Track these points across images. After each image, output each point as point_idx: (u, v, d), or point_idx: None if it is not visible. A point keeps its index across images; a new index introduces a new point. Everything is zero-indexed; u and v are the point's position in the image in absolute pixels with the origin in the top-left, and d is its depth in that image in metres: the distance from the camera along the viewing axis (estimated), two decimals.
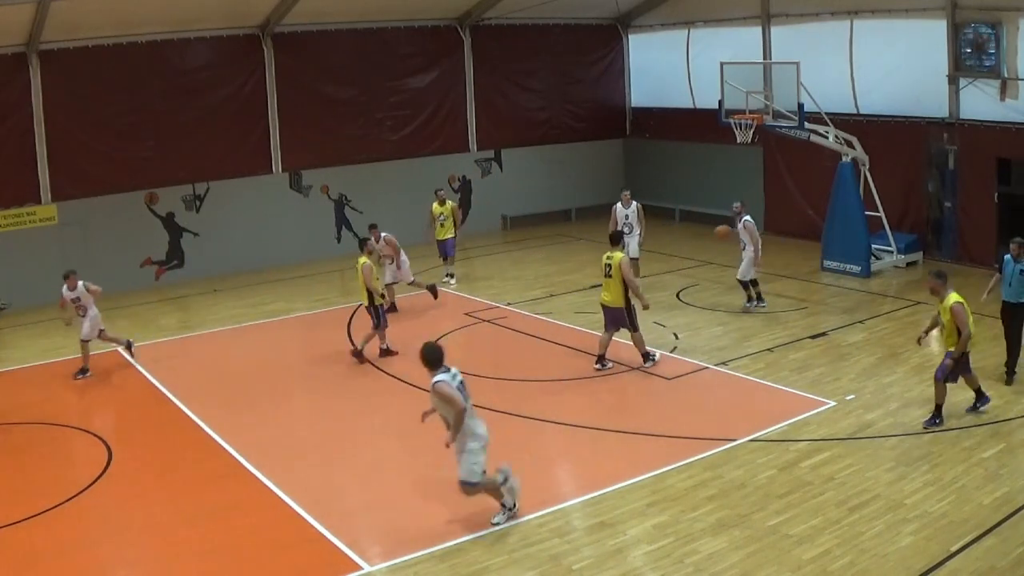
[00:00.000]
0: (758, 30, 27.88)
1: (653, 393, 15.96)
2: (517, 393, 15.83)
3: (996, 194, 22.54)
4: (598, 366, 16.77)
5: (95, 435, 14.75)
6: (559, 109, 32.40)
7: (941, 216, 23.80)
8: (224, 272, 25.79)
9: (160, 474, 13.33)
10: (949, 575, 9.70)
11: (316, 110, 27.60)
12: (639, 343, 16.77)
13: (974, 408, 13.93)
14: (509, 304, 21.36)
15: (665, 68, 31.86)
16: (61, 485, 12.86)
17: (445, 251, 23.84)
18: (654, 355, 16.87)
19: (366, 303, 17.94)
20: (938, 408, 13.59)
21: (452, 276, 23.88)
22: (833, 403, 14.62)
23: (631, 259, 21.22)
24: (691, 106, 30.49)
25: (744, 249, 19.92)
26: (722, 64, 23.60)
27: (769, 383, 15.67)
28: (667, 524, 11.05)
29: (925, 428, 13.42)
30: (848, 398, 14.70)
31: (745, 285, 20.25)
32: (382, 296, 18.59)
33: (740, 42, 28.13)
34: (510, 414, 14.77)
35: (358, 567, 10.40)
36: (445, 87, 30.07)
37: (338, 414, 15.49)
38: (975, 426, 13.48)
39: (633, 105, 33.69)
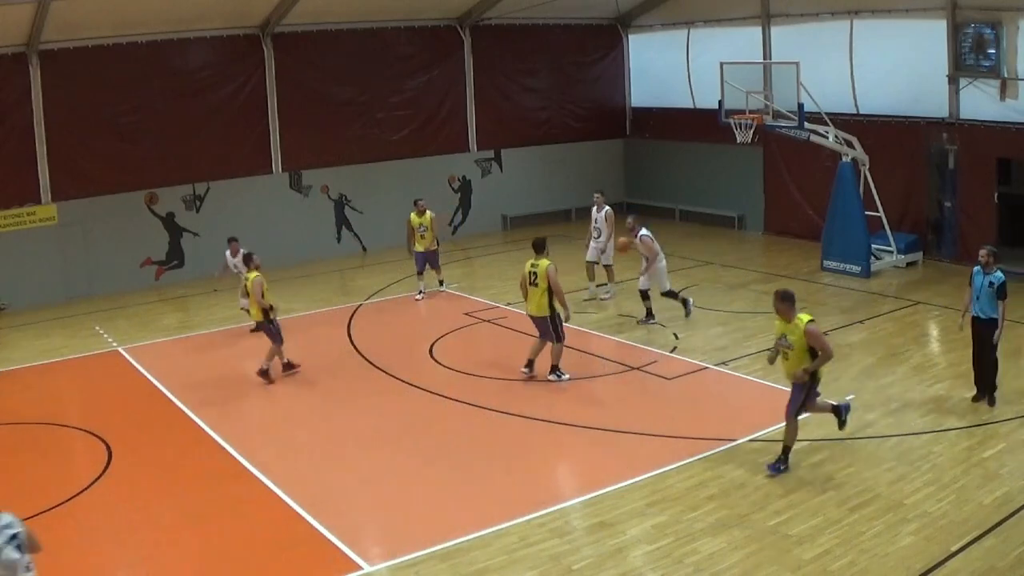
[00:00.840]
0: (758, 30, 27.88)
1: (653, 393, 15.96)
2: (517, 393, 15.84)
3: (996, 194, 22.56)
4: (525, 370, 16.49)
5: (95, 435, 14.73)
6: (559, 109, 32.41)
7: (941, 216, 23.83)
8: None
9: (160, 474, 13.33)
10: (949, 575, 9.71)
11: (316, 110, 27.60)
12: (556, 355, 16.34)
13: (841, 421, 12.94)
14: (509, 304, 21.36)
15: (665, 68, 31.85)
16: (61, 485, 12.88)
17: (423, 264, 22.50)
18: (563, 374, 16.34)
19: (260, 320, 17.29)
20: (786, 451, 12.50)
21: (442, 283, 23.12)
22: (833, 403, 14.61)
23: (605, 265, 21.44)
24: (691, 106, 30.47)
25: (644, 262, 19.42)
26: (722, 64, 23.60)
27: (769, 383, 15.64)
28: (667, 524, 11.05)
29: (770, 473, 12.30)
30: (848, 398, 14.70)
31: (644, 295, 19.58)
32: (272, 309, 17.30)
33: (740, 42, 28.13)
34: (510, 414, 14.79)
35: (358, 567, 10.40)
36: (445, 87, 30.07)
37: (338, 414, 15.49)
38: (975, 426, 13.49)
39: (633, 105, 33.68)
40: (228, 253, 21.17)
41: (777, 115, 22.53)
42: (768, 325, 18.91)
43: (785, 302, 12.44)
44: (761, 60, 26.29)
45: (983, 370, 14.32)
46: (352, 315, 21.21)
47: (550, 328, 16.16)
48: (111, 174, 24.73)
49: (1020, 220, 23.07)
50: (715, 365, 16.79)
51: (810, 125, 22.48)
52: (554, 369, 16.38)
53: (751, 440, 13.37)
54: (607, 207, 21.42)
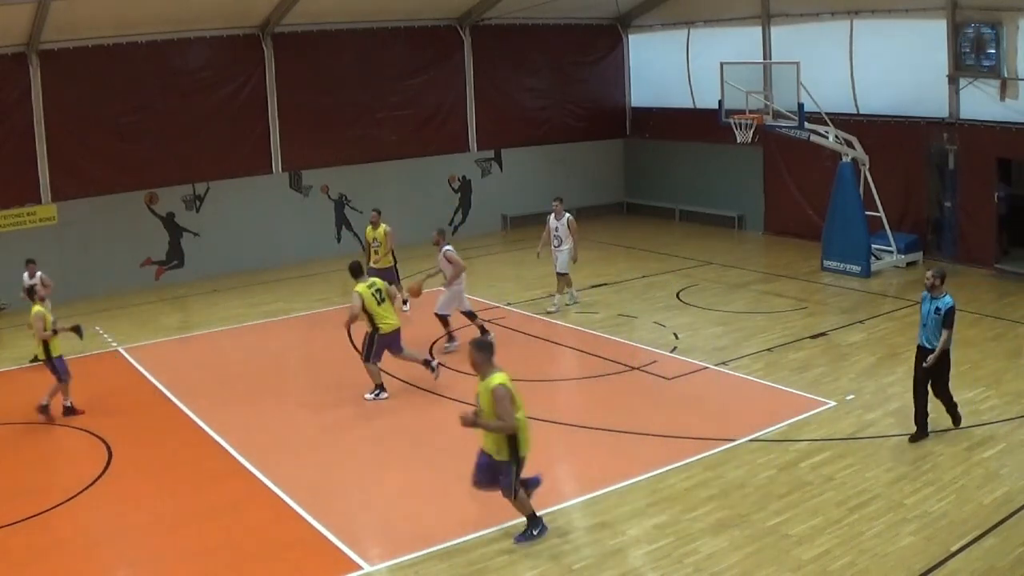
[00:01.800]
0: (758, 30, 27.89)
1: (653, 393, 15.94)
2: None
3: (996, 195, 22.56)
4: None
5: (95, 435, 14.76)
6: (559, 109, 32.41)
7: (941, 216, 23.82)
8: (224, 272, 25.81)
9: (160, 473, 13.34)
10: (949, 575, 9.71)
11: (316, 110, 27.61)
12: (373, 374, 16.00)
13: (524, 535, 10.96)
14: (509, 304, 21.38)
15: (665, 68, 31.85)
16: (61, 485, 12.89)
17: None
18: (380, 393, 15.92)
19: (43, 357, 16.01)
20: (531, 518, 10.91)
21: (405, 303, 20.95)
22: (833, 403, 14.62)
23: (558, 273, 20.77)
24: (691, 106, 30.48)
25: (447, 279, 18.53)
26: (722, 64, 23.64)
27: (769, 383, 15.68)
28: (667, 524, 11.05)
29: (517, 543, 10.77)
30: (848, 398, 14.70)
31: (444, 320, 18.70)
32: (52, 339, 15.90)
33: (740, 42, 28.12)
34: None
35: (358, 567, 10.41)
36: (445, 87, 30.07)
37: (338, 414, 15.48)
38: (975, 426, 13.48)
39: (633, 105, 33.67)
40: (26, 275, 19.60)
41: (777, 115, 22.55)
42: (768, 324, 19.04)
43: (480, 353, 10.51)
44: (761, 60, 26.31)
45: (923, 403, 13.07)
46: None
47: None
48: (111, 174, 24.75)
49: (1021, 220, 23.09)
50: (715, 365, 16.79)
51: (810, 125, 22.50)
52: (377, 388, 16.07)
53: (751, 440, 13.37)
54: (567, 214, 20.70)
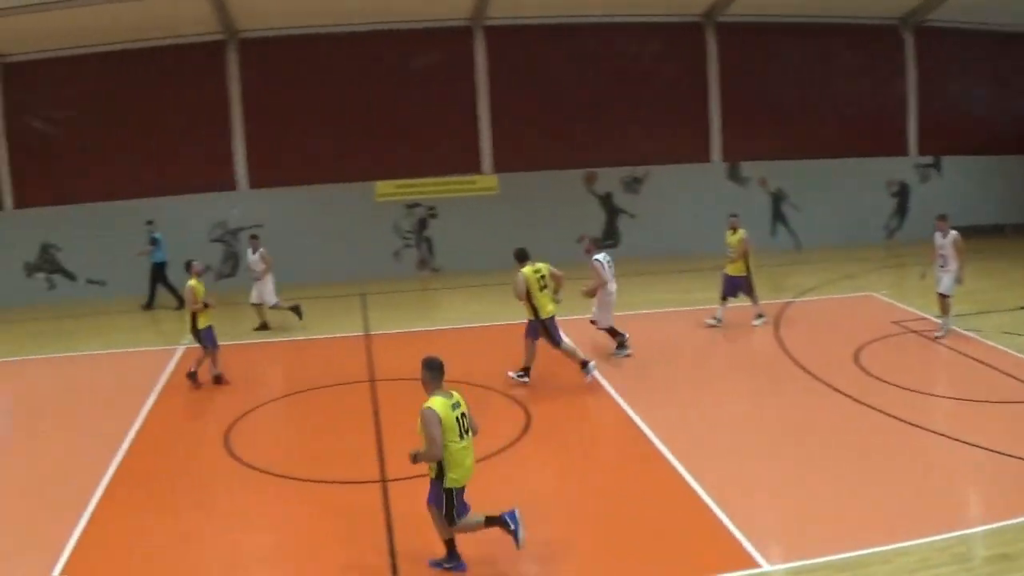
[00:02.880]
0: None
1: None
2: (938, 409, 15.11)
3: None
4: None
5: (517, 401, 15.70)
6: (1001, 119, 30.39)
7: None
8: (656, 255, 26.35)
9: (572, 448, 13.87)
10: None
11: (757, 102, 27.68)
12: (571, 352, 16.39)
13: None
14: (938, 317, 20.52)
15: None
16: (485, 443, 13.45)
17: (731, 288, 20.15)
18: (521, 377, 16.51)
19: (191, 328, 17.50)
20: (449, 546, 10.21)
21: (761, 316, 20.45)
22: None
23: (940, 295, 18.94)
24: None
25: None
26: None
27: None
28: None
29: (429, 564, 10.26)
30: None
31: (610, 332, 18.28)
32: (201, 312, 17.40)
33: None
34: (922, 428, 14.16)
35: (755, 564, 10.26)
36: (885, 88, 29.16)
37: (755, 408, 15.44)
38: None
39: None
40: (249, 250, 21.56)
41: None
42: None
43: (425, 372, 10.00)
44: None
45: None
46: (781, 312, 21.13)
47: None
48: (551, 152, 25.99)
49: None
50: None
51: None
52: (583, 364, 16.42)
53: None
54: (953, 232, 18.76)
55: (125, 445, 14.53)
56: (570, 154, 26.66)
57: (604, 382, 16.56)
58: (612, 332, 18.26)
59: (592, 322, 18.54)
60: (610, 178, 26.99)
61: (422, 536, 10.71)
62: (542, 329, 16.36)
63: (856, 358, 17.46)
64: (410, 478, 12.02)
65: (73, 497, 12.51)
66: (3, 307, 25.70)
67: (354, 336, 20.67)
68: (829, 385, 16.06)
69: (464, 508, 10.07)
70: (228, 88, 26.41)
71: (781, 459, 13.39)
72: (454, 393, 9.99)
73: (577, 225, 26.63)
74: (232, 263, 26.78)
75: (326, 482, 12.22)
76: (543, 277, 16.40)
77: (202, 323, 17.34)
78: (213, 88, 26.34)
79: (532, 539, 10.29)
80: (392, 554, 10.55)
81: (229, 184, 26.85)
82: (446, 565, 10.20)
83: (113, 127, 26.47)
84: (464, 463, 9.90)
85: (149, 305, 24.80)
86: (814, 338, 19.08)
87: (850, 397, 15.50)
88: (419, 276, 26.03)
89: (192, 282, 17.40)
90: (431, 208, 26.60)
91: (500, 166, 26.49)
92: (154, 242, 24.67)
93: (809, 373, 16.60)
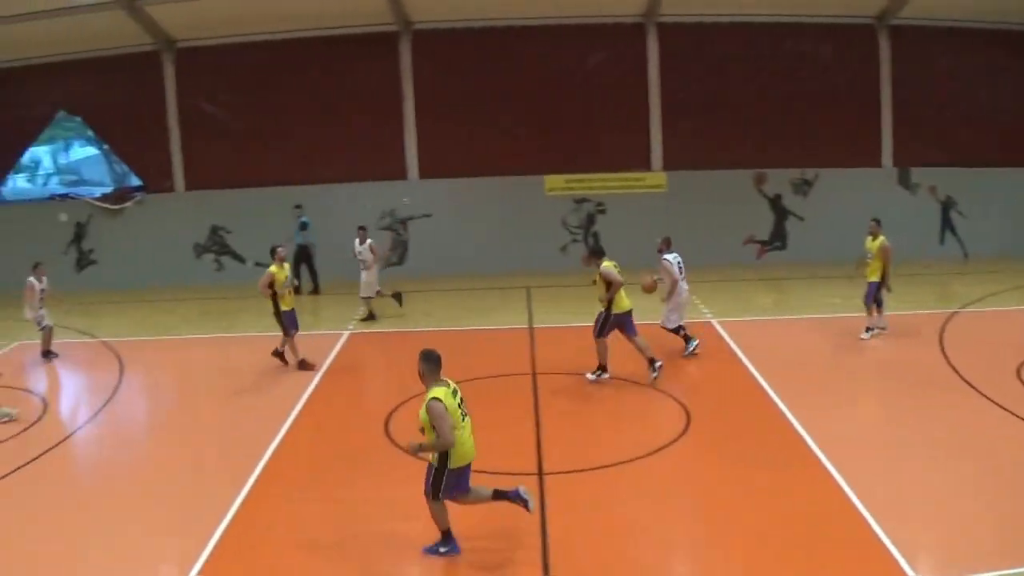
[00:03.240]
0: None
1: None
2: None
3: None
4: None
5: (677, 399, 15.59)
6: None
7: None
8: (825, 259, 25.86)
9: (731, 446, 13.71)
10: None
11: (929, 107, 26.86)
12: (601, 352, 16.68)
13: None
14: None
15: None
16: (641, 441, 13.74)
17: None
18: (602, 374, 16.72)
19: (273, 310, 18.12)
20: (445, 534, 10.49)
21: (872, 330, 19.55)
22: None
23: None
24: None
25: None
26: None
27: None
28: None
29: (424, 551, 10.49)
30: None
31: (676, 332, 18.24)
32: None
33: None
34: None
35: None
36: None
37: (918, 420, 14.84)
38: None
39: None
40: (357, 241, 22.25)
41: None
42: None
43: (423, 364, 10.27)
44: None
45: None
46: (945, 322, 20.53)
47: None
48: (720, 151, 25.83)
49: None
50: None
51: None
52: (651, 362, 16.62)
53: None
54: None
55: (286, 425, 15.05)
56: (740, 154, 26.39)
57: (762, 382, 16.41)
58: (678, 332, 18.32)
59: (662, 327, 18.47)
60: (779, 179, 26.62)
61: (577, 532, 10.86)
62: (613, 321, 16.67)
63: (1020, 374, 16.81)
64: (567, 472, 12.14)
65: (233, 473, 13.06)
66: (173, 286, 26.89)
67: (518, 328, 20.89)
68: (992, 400, 15.48)
69: (463, 488, 10.41)
70: (401, 78, 26.95)
71: (941, 472, 12.93)
72: (450, 381, 10.32)
73: (745, 225, 26.40)
74: (400, 251, 27.31)
75: (483, 472, 12.38)
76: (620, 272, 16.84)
77: (285, 306, 18.03)
78: (386, 78, 26.93)
79: (684, 535, 10.18)
80: (544, 549, 10.62)
81: (399, 173, 27.38)
82: (441, 549, 10.49)
83: (283, 113, 27.49)
84: (466, 444, 10.31)
85: (315, 290, 25.53)
86: (979, 350, 18.44)
87: (1014, 414, 14.90)
88: (584, 271, 26.08)
89: (273, 268, 17.98)
90: (599, 204, 26.66)
91: (669, 164, 26.39)
92: (303, 226, 25.34)
93: (972, 386, 16.05)
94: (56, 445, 14.57)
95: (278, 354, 18.24)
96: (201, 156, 28.02)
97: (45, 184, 31.95)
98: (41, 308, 19.70)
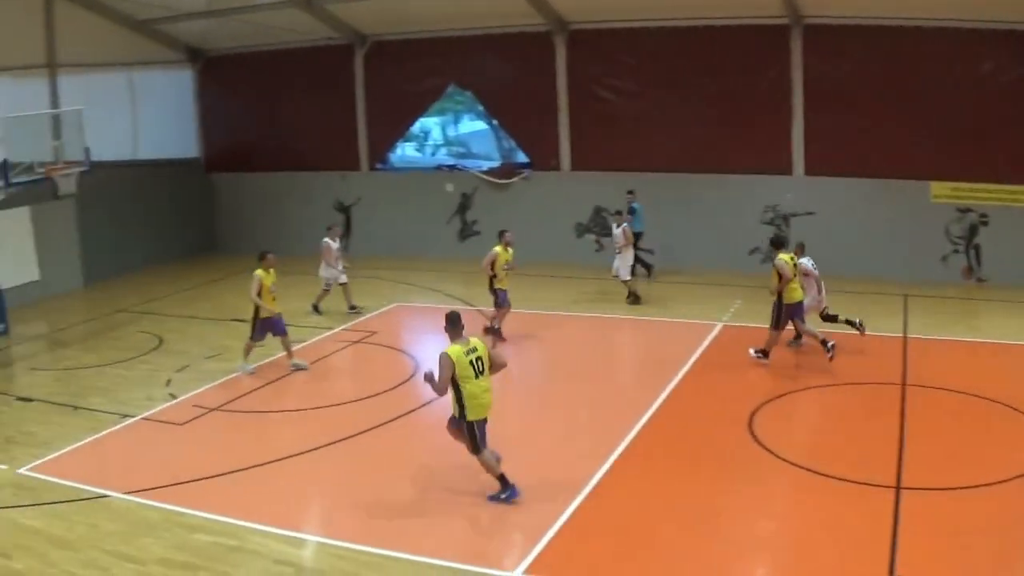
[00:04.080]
0: None
1: None
2: None
3: None
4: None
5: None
6: None
7: None
8: None
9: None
10: None
11: None
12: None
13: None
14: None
15: None
16: (997, 461, 13.12)
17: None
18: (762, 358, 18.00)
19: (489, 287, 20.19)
20: (501, 479, 12.52)
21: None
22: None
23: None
24: None
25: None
26: None
27: None
28: None
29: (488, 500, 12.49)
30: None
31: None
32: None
33: None
34: None
35: None
36: None
37: None
38: None
39: None
40: (614, 224, 23.38)
41: None
42: None
43: (447, 324, 12.29)
44: None
45: None
46: None
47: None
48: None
49: None
50: None
51: None
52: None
53: None
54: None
55: (651, 410, 15.84)
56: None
57: None
58: (829, 319, 19.49)
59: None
60: None
61: (930, 551, 10.74)
62: (786, 312, 17.74)
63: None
64: (928, 489, 12.10)
65: (596, 449, 13.98)
66: (553, 262, 28.11)
67: (892, 336, 20.36)
68: None
69: (484, 442, 12.17)
70: (790, 73, 26.86)
71: None
72: (471, 340, 12.16)
73: None
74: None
75: (839, 479, 12.56)
76: (795, 265, 17.95)
77: (501, 285, 20.10)
78: (775, 72, 26.90)
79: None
80: (891, 566, 10.56)
81: (785, 168, 27.32)
82: (502, 496, 12.23)
83: (668, 100, 28.00)
84: (481, 399, 11.99)
85: (648, 274, 26.58)
86: None
87: None
88: (963, 284, 25.15)
89: (498, 248, 20.12)
90: (983, 215, 25.51)
91: None
92: (632, 212, 25.92)
93: None
94: (423, 405, 16.28)
95: (490, 330, 20.22)
96: (588, 137, 29.13)
97: (433, 154, 34.24)
98: (338, 265, 21.74)
